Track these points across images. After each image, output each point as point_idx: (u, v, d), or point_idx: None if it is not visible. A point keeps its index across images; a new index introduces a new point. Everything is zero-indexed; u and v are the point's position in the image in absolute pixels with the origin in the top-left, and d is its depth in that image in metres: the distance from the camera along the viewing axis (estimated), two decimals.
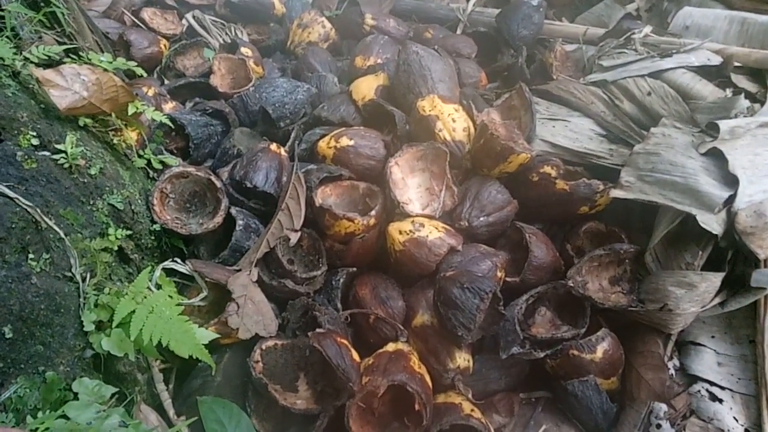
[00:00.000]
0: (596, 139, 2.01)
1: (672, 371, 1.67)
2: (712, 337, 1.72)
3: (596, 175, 1.87)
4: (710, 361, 1.69)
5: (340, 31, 2.89)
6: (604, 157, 1.93)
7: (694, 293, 1.58)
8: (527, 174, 1.89)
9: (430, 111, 1.93)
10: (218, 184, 1.81)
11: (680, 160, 1.69)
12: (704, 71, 2.10)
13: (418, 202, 1.90)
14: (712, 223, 1.56)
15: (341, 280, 1.77)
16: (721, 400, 1.62)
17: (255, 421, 1.51)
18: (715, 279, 1.58)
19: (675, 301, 1.59)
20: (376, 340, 1.71)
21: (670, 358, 1.70)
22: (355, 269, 1.83)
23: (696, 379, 1.67)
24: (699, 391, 1.65)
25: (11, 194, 1.26)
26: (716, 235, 1.57)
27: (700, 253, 1.65)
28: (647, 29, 2.34)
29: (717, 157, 1.69)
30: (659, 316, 1.63)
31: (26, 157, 1.35)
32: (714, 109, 1.90)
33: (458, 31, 2.88)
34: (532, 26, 2.56)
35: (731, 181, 1.62)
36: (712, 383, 1.65)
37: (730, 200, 1.58)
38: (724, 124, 1.74)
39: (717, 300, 1.63)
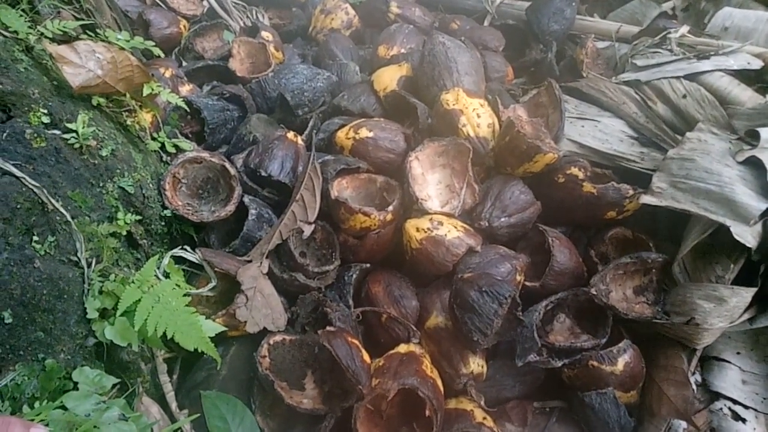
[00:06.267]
0: (627, 142, 1.93)
1: (693, 387, 1.60)
2: (738, 353, 1.65)
3: (625, 179, 1.78)
4: (734, 379, 1.62)
5: (363, 19, 2.83)
6: (635, 161, 1.85)
7: (724, 308, 1.50)
8: (553, 175, 1.82)
9: (454, 105, 1.86)
10: (232, 171, 1.76)
11: (716, 167, 1.62)
12: (743, 75, 2.01)
13: (438, 199, 1.84)
14: (747, 235, 1.48)
15: (354, 276, 1.72)
16: (744, 420, 1.55)
17: (259, 418, 1.47)
18: (747, 294, 1.50)
19: (702, 315, 1.52)
20: (387, 339, 1.66)
21: (693, 374, 1.63)
22: (368, 265, 1.78)
23: (718, 396, 1.60)
24: (721, 408, 1.58)
25: (18, 173, 1.22)
26: (749, 248, 1.49)
27: (732, 266, 1.57)
28: (684, 29, 2.25)
29: (755, 166, 1.60)
30: (685, 329, 1.56)
31: (35, 135, 1.31)
32: (753, 116, 1.81)
33: (486, 23, 2.79)
34: (563, 21, 2.48)
35: None
36: (735, 401, 1.58)
37: (767, 212, 1.50)
38: (764, 132, 1.66)
39: (746, 316, 1.55)
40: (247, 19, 2.85)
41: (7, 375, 1.13)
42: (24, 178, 1.22)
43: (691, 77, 2.02)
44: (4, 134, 1.26)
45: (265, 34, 2.49)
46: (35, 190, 1.24)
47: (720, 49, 2.10)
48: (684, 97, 1.96)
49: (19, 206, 1.19)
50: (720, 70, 2.02)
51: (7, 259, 1.14)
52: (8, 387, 1.12)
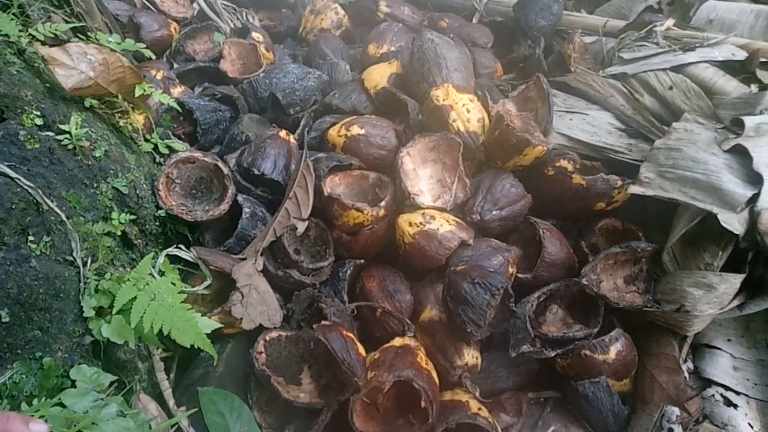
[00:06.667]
0: (615, 134, 1.95)
1: (685, 374, 1.62)
2: (729, 340, 1.67)
3: (614, 170, 1.81)
4: (726, 365, 1.64)
5: (353, 18, 2.85)
6: (623, 152, 1.87)
7: (713, 295, 1.52)
8: (542, 168, 1.84)
9: (444, 100, 1.88)
10: (225, 170, 1.77)
11: (702, 156, 1.64)
12: (728, 66, 2.04)
13: (430, 194, 1.85)
14: (734, 222, 1.50)
15: (348, 272, 1.73)
16: (735, 406, 1.57)
17: (256, 413, 1.48)
18: (735, 280, 1.53)
19: (692, 303, 1.54)
20: (382, 334, 1.67)
21: (684, 361, 1.65)
22: (362, 261, 1.79)
23: (710, 383, 1.62)
24: (713, 395, 1.60)
25: (12, 174, 1.23)
26: (737, 235, 1.51)
27: (720, 253, 1.59)
28: (669, 22, 2.29)
29: (741, 154, 1.63)
30: (675, 317, 1.58)
31: (29, 136, 1.32)
32: (738, 105, 1.84)
33: (474, 21, 2.82)
34: (550, 17, 2.50)
35: (755, 180, 1.56)
36: (727, 388, 1.60)
37: (754, 199, 1.52)
38: (749, 121, 1.69)
39: (735, 302, 1.57)
40: (237, 21, 2.86)
41: (5, 373, 1.13)
42: (18, 179, 1.23)
43: (677, 69, 2.05)
44: None
45: (255, 35, 2.50)
46: (30, 190, 1.24)
47: (705, 41, 2.13)
48: (670, 88, 1.98)
49: (14, 206, 1.20)
50: (705, 61, 2.05)
51: (3, 259, 1.15)
52: (6, 385, 1.13)
